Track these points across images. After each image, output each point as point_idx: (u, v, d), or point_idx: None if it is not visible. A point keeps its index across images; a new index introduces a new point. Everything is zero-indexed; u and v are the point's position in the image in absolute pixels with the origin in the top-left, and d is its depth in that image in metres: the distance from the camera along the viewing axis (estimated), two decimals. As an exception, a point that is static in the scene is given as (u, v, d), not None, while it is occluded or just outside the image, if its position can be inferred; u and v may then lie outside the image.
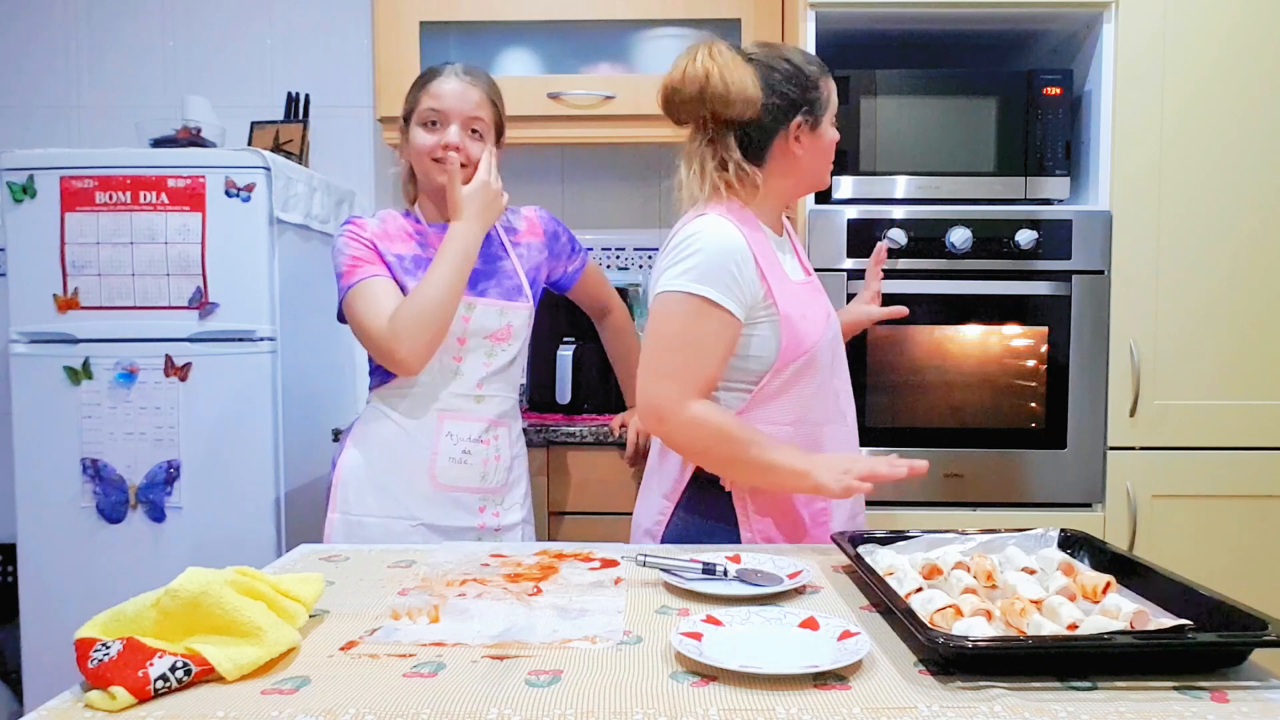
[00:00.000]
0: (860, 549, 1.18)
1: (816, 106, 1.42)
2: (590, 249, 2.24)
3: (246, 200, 2.05)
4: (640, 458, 2.00)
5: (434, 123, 1.60)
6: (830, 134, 1.46)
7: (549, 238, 1.77)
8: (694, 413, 1.33)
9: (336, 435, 2.09)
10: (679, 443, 1.39)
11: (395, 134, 2.35)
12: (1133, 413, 2.02)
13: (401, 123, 1.66)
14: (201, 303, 2.05)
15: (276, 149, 2.54)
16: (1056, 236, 2.01)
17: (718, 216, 1.38)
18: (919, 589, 1.02)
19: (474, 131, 1.61)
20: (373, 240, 1.60)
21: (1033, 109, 2.07)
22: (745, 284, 1.36)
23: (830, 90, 1.44)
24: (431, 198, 1.67)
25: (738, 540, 1.41)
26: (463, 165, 1.59)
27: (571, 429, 2.09)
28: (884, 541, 1.22)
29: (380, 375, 1.64)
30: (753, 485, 1.40)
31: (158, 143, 2.21)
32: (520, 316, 1.66)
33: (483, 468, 1.62)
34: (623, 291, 2.16)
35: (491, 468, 1.63)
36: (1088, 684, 0.84)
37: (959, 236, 1.99)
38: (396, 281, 1.60)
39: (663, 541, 1.45)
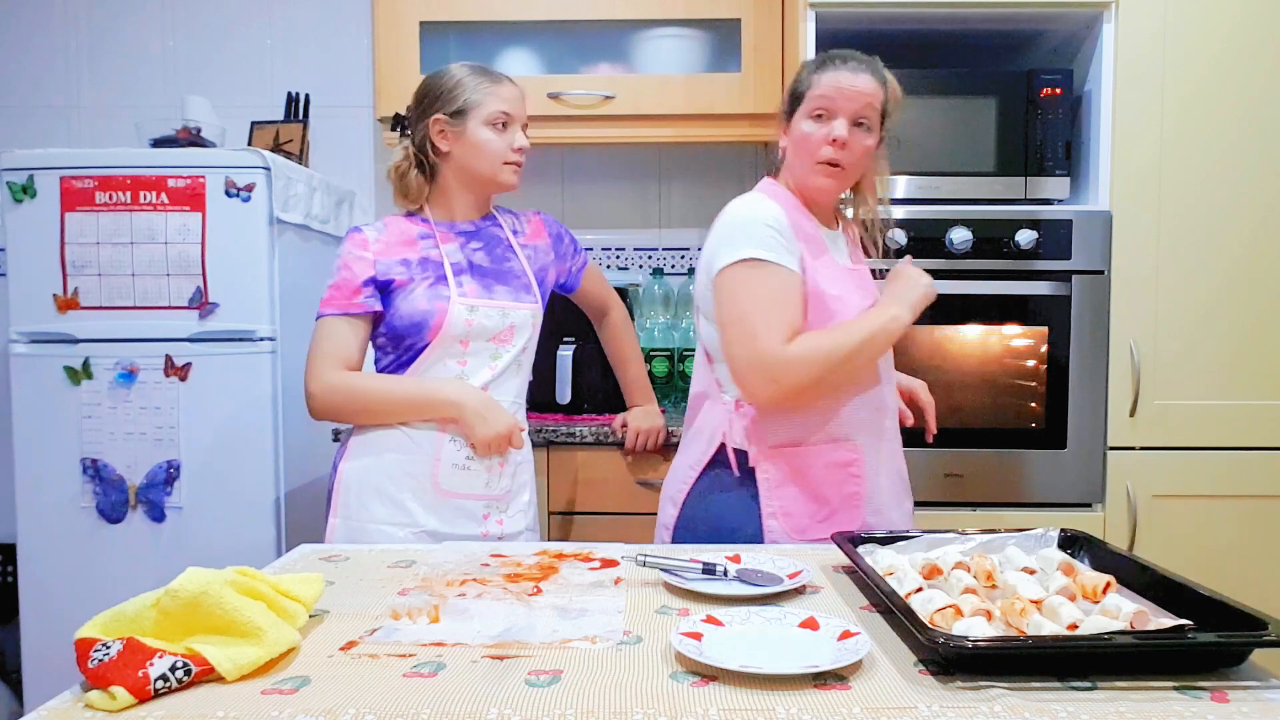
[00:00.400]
0: (860, 549, 1.18)
1: (793, 98, 1.50)
2: (589, 249, 2.24)
3: (246, 200, 2.05)
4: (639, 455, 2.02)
5: (505, 125, 1.63)
6: (801, 130, 1.47)
7: (554, 240, 1.78)
8: (792, 351, 1.37)
9: (337, 436, 2.09)
10: (796, 384, 1.38)
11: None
12: (1133, 413, 2.02)
13: (447, 117, 1.62)
14: (201, 303, 2.05)
15: (276, 149, 2.54)
16: (1056, 236, 2.01)
17: (749, 193, 1.50)
18: (919, 589, 1.02)
19: (525, 131, 1.68)
20: (375, 258, 1.60)
21: (1033, 109, 2.07)
22: (789, 241, 1.42)
23: (815, 80, 1.46)
24: (471, 191, 1.68)
25: (757, 511, 1.45)
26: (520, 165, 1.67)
27: (571, 429, 2.09)
28: (884, 541, 1.22)
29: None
30: (872, 361, 1.46)
31: (158, 143, 2.21)
32: (523, 315, 1.65)
33: (486, 474, 1.62)
34: (622, 291, 2.16)
35: (495, 474, 1.63)
36: (1088, 684, 0.84)
37: (959, 236, 1.99)
38: (406, 285, 1.59)
39: (683, 508, 1.51)
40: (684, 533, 1.51)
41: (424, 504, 1.59)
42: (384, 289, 1.61)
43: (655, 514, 2.10)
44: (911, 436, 2.04)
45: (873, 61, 1.48)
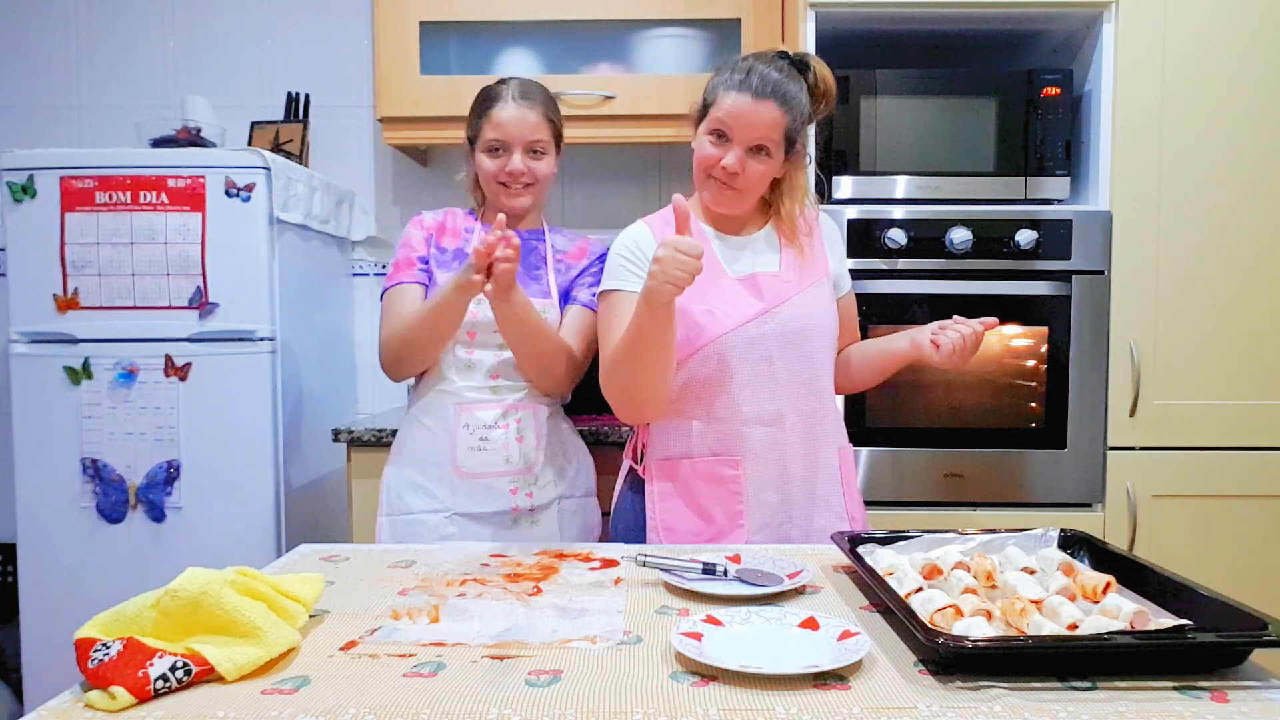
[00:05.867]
0: (860, 549, 1.18)
1: (702, 107, 1.47)
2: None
3: (246, 200, 2.05)
4: None
5: (497, 150, 1.65)
6: (700, 141, 1.46)
7: (585, 268, 1.77)
8: (603, 377, 1.46)
9: (336, 435, 2.09)
10: (616, 393, 1.46)
11: (396, 134, 2.39)
12: (1133, 413, 2.02)
13: (466, 143, 1.72)
14: (201, 303, 2.05)
15: (276, 149, 2.54)
16: (1056, 236, 2.01)
17: (640, 219, 1.56)
18: (919, 589, 1.02)
19: (535, 152, 1.67)
20: (430, 234, 1.70)
21: (1033, 109, 2.07)
22: (643, 263, 1.45)
23: (720, 100, 1.42)
24: (497, 208, 1.72)
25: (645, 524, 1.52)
26: (528, 185, 1.67)
27: (571, 429, 2.09)
28: (884, 541, 1.22)
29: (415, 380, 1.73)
30: (659, 365, 1.38)
31: (158, 143, 2.21)
32: None
33: (504, 451, 1.64)
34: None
35: (514, 450, 1.65)
36: (1088, 684, 0.84)
37: (959, 236, 1.99)
38: (435, 273, 1.67)
39: (613, 510, 1.62)
40: (612, 534, 1.62)
41: (451, 488, 1.63)
42: (431, 268, 1.69)
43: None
44: (911, 438, 2.05)
45: (782, 83, 1.41)
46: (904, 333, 1.51)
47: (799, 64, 1.47)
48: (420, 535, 1.63)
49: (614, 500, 1.63)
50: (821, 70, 1.47)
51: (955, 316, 1.43)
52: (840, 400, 1.95)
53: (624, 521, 1.58)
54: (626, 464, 1.60)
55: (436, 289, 1.60)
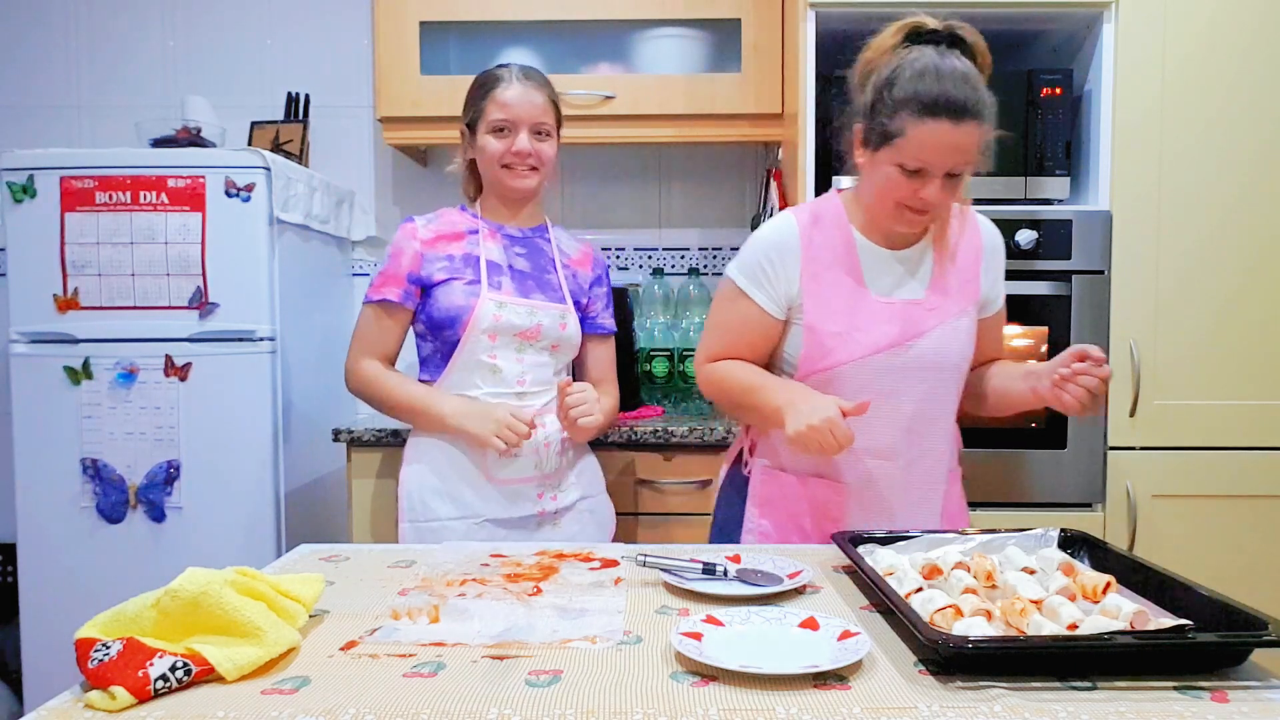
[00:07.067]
0: (860, 549, 1.18)
1: (881, 133, 1.30)
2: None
3: (246, 200, 2.05)
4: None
5: (503, 130, 1.64)
6: (885, 171, 1.30)
7: (594, 280, 1.80)
8: (705, 373, 1.49)
9: (336, 435, 2.09)
10: (708, 397, 1.52)
11: (396, 134, 2.39)
12: (1133, 413, 2.02)
13: (464, 127, 1.71)
14: (201, 303, 2.05)
15: (276, 149, 2.54)
16: (1056, 236, 2.01)
17: (792, 210, 1.45)
18: (919, 589, 1.02)
19: (540, 134, 1.66)
20: (422, 251, 1.65)
21: (1033, 109, 2.07)
22: (778, 279, 1.40)
23: (912, 132, 1.26)
24: (497, 196, 1.72)
25: (742, 524, 1.49)
26: (534, 169, 1.67)
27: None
28: (884, 541, 1.22)
29: (429, 372, 1.70)
30: (763, 428, 1.47)
31: (158, 143, 2.21)
32: (551, 315, 1.68)
33: (535, 456, 1.65)
34: (621, 291, 2.16)
35: (544, 455, 1.66)
36: (1088, 684, 0.84)
37: (959, 236, 1.99)
38: (447, 282, 1.64)
39: (715, 514, 1.58)
40: (712, 530, 1.59)
41: (482, 495, 1.64)
42: (426, 284, 1.66)
43: (655, 513, 2.13)
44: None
45: (974, 89, 1.28)
46: (1021, 374, 1.43)
47: (957, 40, 1.32)
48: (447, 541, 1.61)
49: (715, 496, 1.60)
50: (975, 39, 1.32)
51: (1073, 351, 1.30)
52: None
53: (724, 515, 1.54)
54: (732, 452, 1.58)
55: (427, 397, 1.64)
